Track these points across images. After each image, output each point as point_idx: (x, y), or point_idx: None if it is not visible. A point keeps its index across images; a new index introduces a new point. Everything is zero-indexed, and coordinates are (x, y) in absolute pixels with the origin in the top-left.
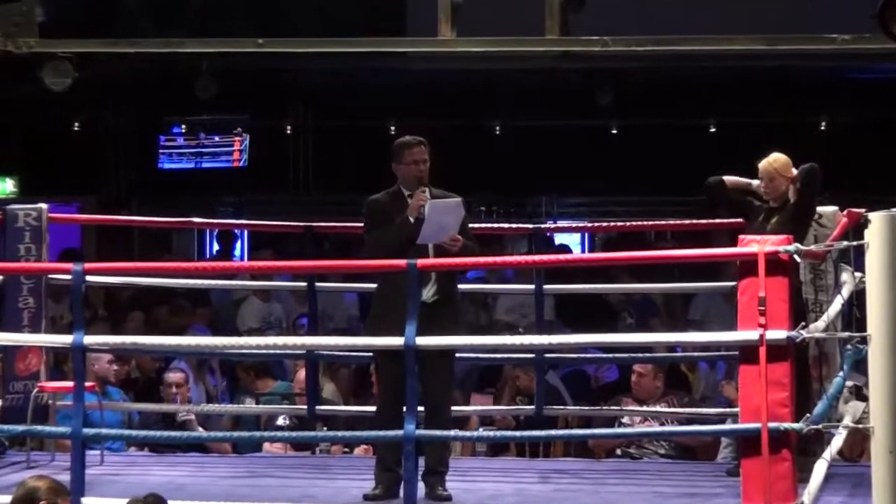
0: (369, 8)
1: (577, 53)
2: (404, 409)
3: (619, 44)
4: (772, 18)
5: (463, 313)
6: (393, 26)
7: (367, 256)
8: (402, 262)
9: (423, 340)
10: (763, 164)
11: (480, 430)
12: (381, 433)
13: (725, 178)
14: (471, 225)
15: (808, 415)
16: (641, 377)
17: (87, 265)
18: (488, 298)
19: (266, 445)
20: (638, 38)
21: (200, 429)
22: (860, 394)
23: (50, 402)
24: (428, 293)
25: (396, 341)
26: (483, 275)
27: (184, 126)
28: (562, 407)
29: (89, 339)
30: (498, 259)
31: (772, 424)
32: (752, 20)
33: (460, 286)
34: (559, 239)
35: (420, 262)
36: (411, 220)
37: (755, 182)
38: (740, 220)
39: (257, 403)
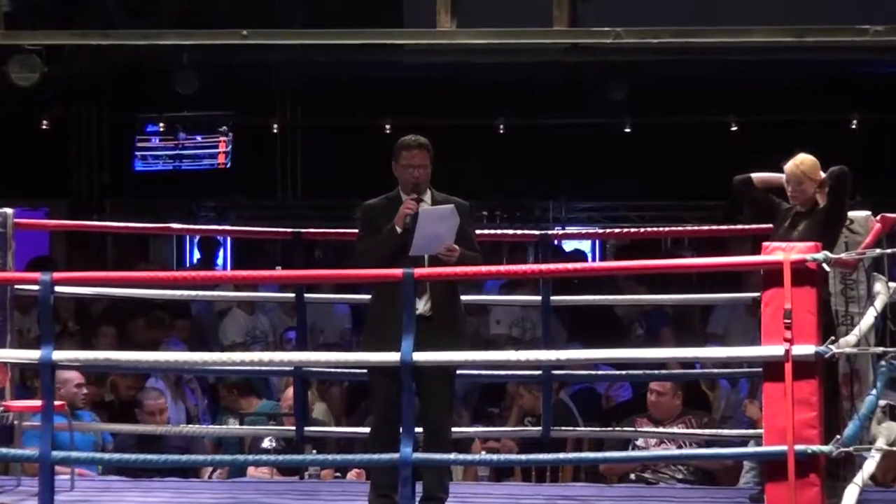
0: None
1: (587, 46)
2: (401, 430)
3: (633, 35)
4: (799, 8)
5: (466, 327)
6: (388, 16)
7: (355, 268)
8: (398, 271)
9: (420, 356)
10: (789, 167)
11: (483, 452)
12: (376, 456)
13: (753, 175)
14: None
15: (837, 436)
16: (661, 396)
17: (56, 275)
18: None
19: (251, 470)
20: (653, 30)
21: None
22: (894, 414)
23: (16, 422)
24: (424, 306)
25: (391, 357)
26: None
27: (162, 124)
28: (571, 428)
29: (58, 355)
30: (501, 268)
31: (798, 447)
32: (778, 10)
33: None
34: (571, 246)
35: (417, 271)
36: (398, 229)
37: (786, 167)
38: (763, 226)
39: (241, 424)
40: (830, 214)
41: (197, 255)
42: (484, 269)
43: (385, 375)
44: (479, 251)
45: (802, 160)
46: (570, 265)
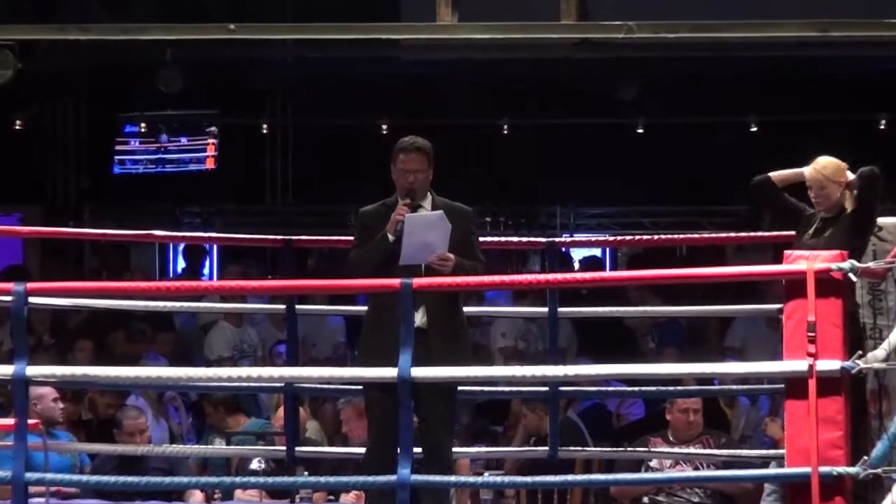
0: None
1: (597, 41)
2: (398, 450)
3: (647, 30)
4: (824, 0)
5: (467, 341)
6: (385, 10)
7: (347, 278)
8: (396, 281)
9: (418, 372)
10: (810, 172)
11: (486, 474)
12: (372, 478)
13: (772, 174)
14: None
15: (865, 457)
16: (696, 414)
17: (31, 285)
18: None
19: (238, 492)
20: (668, 24)
21: None
22: None
23: None
24: (420, 318)
25: (388, 373)
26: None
27: (143, 124)
28: (580, 448)
29: (33, 370)
30: (505, 278)
31: (823, 469)
32: (801, 3)
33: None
34: (579, 254)
35: (416, 281)
36: (390, 237)
37: (807, 170)
38: (785, 233)
39: (228, 444)
40: (858, 220)
41: (182, 263)
42: (486, 278)
43: (381, 392)
44: (481, 260)
45: (825, 164)
46: (577, 275)
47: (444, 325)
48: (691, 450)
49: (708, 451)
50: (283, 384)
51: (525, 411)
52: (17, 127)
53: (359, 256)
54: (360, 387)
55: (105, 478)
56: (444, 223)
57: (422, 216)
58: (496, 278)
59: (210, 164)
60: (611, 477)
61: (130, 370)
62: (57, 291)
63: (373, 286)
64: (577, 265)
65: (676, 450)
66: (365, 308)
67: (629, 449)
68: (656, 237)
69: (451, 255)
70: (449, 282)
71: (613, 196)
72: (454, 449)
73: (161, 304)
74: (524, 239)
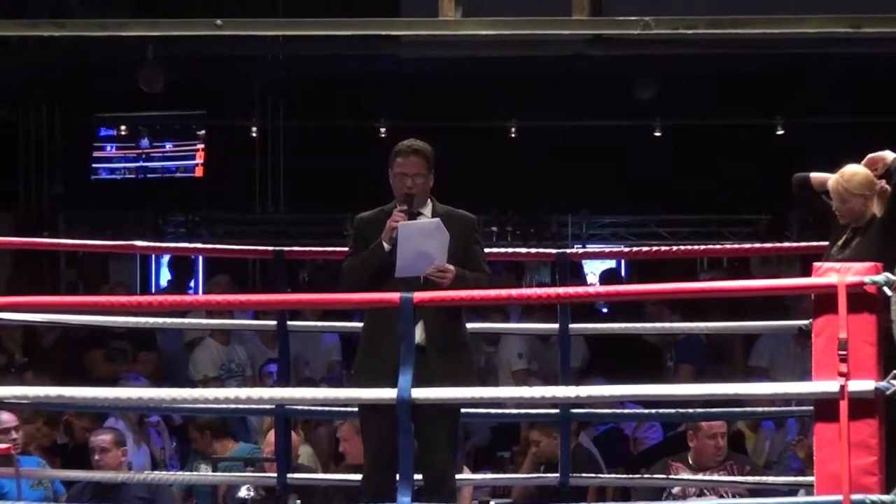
0: None
1: (611, 37)
2: (396, 475)
3: (664, 25)
4: None
5: (470, 360)
6: (383, 4)
7: (340, 290)
8: (395, 295)
9: (419, 393)
10: (832, 182)
11: (492, 502)
12: None
13: (812, 175)
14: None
15: None
16: (723, 438)
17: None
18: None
19: None
20: (687, 19)
21: None
22: None
23: None
24: (420, 335)
25: (387, 394)
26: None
27: (124, 127)
28: (594, 475)
29: (4, 391)
30: (513, 292)
31: (855, 496)
32: None
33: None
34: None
35: (417, 296)
36: (386, 245)
37: (831, 178)
38: (815, 243)
39: (215, 470)
40: (888, 224)
41: (168, 276)
42: (492, 292)
43: (376, 413)
44: (486, 272)
45: (850, 175)
46: (590, 288)
47: (444, 342)
48: (715, 476)
49: (731, 477)
50: (273, 406)
51: (538, 436)
52: None
53: (352, 266)
54: (356, 408)
55: None
56: (441, 231)
57: (417, 223)
58: (503, 292)
59: (199, 173)
60: None
61: (109, 391)
62: (29, 306)
63: (371, 300)
64: (590, 278)
65: (700, 476)
66: (361, 324)
67: (648, 476)
68: (674, 248)
69: (451, 267)
70: (452, 296)
71: (628, 204)
72: (458, 476)
73: (143, 319)
74: (533, 250)
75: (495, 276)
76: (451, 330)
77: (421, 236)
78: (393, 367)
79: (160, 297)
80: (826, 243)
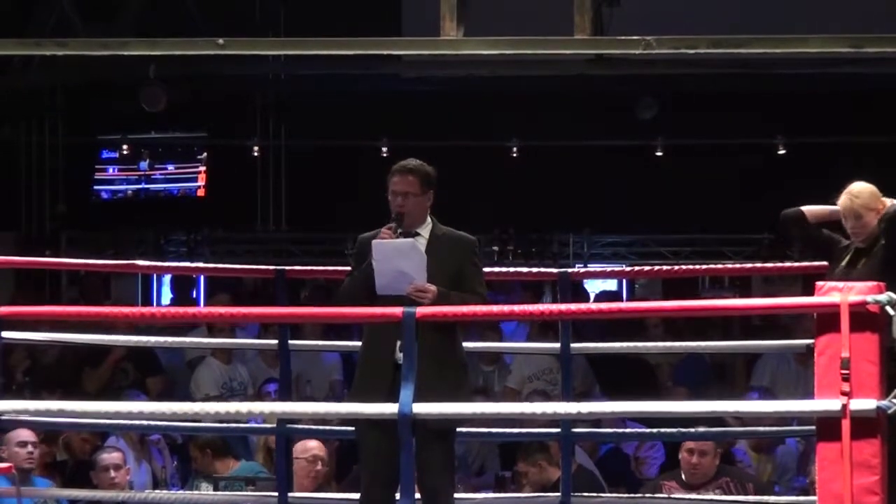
0: (357, 2)
1: (613, 57)
2: (393, 492)
3: (666, 45)
4: (857, 14)
5: (461, 379)
6: (385, 23)
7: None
8: (398, 310)
9: (420, 408)
10: (843, 202)
11: None
12: None
13: (805, 209)
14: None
15: None
16: (703, 457)
17: (3, 309)
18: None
19: None
20: (688, 39)
21: None
22: None
23: None
24: (399, 353)
25: (388, 409)
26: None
27: (126, 147)
28: (595, 494)
29: (4, 405)
30: (516, 308)
31: None
32: (833, 16)
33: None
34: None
35: (419, 310)
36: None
37: (840, 200)
38: (817, 263)
39: (216, 489)
40: (891, 256)
41: (169, 295)
42: (492, 308)
43: (373, 430)
44: (478, 293)
45: (859, 191)
46: (592, 305)
47: (429, 360)
48: (711, 496)
49: (729, 497)
50: (274, 424)
51: (524, 467)
52: None
53: (345, 285)
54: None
55: None
56: (416, 252)
57: (391, 243)
58: (504, 308)
59: (201, 194)
60: None
61: (110, 405)
62: (31, 315)
63: (373, 315)
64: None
65: (693, 496)
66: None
67: (646, 495)
68: (676, 267)
69: (431, 287)
70: (454, 311)
71: (630, 223)
72: (455, 495)
73: (144, 338)
74: (534, 269)
75: (513, 295)
76: (438, 349)
77: (396, 256)
78: (378, 384)
79: (163, 309)
80: (826, 263)
